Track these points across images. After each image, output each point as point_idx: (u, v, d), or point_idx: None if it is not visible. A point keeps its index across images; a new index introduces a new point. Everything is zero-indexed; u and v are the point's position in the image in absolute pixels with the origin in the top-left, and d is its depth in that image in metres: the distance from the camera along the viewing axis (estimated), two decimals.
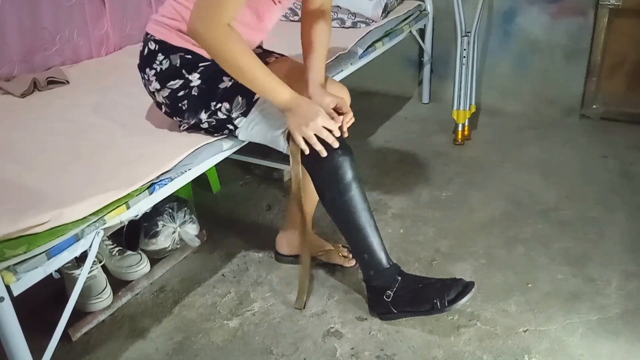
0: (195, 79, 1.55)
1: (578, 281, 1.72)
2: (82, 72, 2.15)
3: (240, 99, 1.53)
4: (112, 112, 1.76)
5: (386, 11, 2.59)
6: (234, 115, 1.54)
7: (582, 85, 2.72)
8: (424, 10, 2.85)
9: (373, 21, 2.52)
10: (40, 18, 2.07)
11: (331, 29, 1.70)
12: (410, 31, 2.71)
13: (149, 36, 1.60)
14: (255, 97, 1.54)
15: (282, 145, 1.55)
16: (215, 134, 1.59)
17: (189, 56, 1.56)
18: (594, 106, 2.74)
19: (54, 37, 2.13)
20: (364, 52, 2.32)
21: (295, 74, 1.67)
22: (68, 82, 2.04)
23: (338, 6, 2.54)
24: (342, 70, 2.16)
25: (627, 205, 2.07)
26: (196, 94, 1.55)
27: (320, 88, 1.61)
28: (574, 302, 1.64)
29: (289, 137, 1.50)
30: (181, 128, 1.61)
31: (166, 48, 1.57)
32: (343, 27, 2.55)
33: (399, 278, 1.57)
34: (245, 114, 1.54)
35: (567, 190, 2.18)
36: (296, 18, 2.63)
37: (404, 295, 1.55)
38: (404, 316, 1.57)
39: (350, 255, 1.80)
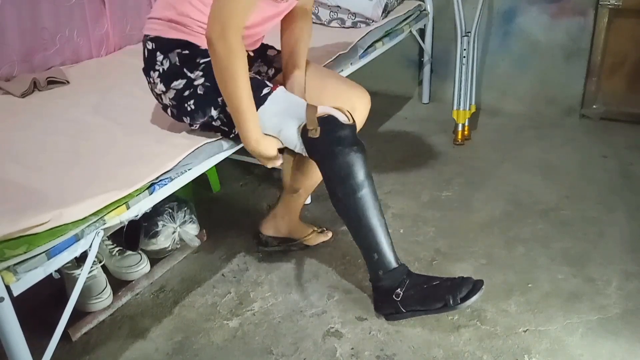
0: (198, 77, 1.53)
1: (578, 281, 1.72)
2: (82, 72, 2.15)
3: None
4: (112, 112, 1.76)
5: (386, 11, 2.59)
6: None
7: (582, 85, 2.72)
8: (424, 10, 2.84)
9: (373, 21, 2.52)
10: (40, 18, 2.07)
11: (311, 30, 1.70)
12: (410, 31, 2.71)
13: (145, 36, 1.60)
14: (264, 92, 1.50)
15: (294, 143, 1.51)
16: (229, 130, 1.56)
17: (186, 51, 1.54)
18: (594, 106, 2.74)
19: (54, 37, 2.13)
20: (364, 52, 2.32)
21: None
22: (68, 82, 2.03)
23: (338, 6, 2.53)
24: (342, 70, 2.16)
25: (627, 205, 2.07)
26: (202, 92, 1.52)
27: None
28: (574, 302, 1.64)
29: (304, 132, 1.48)
30: (192, 128, 1.59)
31: (163, 45, 1.55)
32: (343, 27, 2.55)
33: (408, 277, 1.56)
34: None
35: (567, 190, 2.18)
36: None
37: (414, 295, 1.54)
38: (413, 315, 1.56)
39: (325, 229, 1.91)
